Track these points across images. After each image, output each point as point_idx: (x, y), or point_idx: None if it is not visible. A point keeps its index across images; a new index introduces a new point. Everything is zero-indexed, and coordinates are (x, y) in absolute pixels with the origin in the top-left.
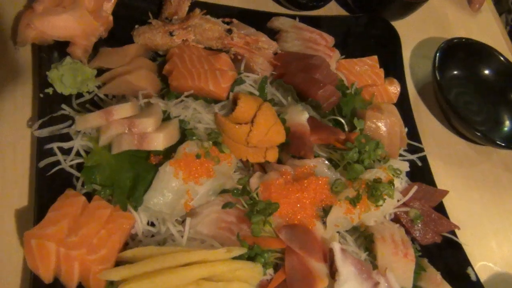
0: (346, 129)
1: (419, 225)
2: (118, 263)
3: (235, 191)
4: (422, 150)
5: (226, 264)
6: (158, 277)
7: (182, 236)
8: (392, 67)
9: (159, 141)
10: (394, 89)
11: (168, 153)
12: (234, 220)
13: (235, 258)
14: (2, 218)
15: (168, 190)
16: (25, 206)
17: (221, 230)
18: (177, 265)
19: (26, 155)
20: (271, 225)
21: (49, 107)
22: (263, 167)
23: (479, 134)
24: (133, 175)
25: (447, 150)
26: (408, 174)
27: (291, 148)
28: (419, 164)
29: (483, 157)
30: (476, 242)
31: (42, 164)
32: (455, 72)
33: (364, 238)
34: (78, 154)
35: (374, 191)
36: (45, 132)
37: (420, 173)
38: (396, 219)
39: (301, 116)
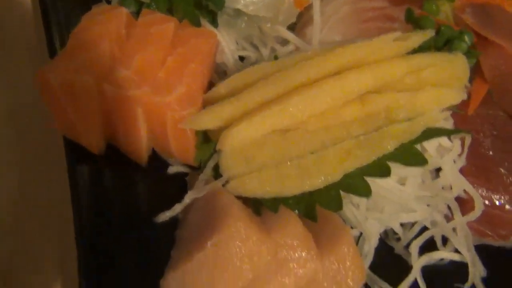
0: None
1: None
2: None
3: None
4: None
5: (402, 62)
6: (291, 102)
7: None
8: None
9: None
10: None
11: None
12: (384, 3)
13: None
14: None
15: None
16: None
17: (367, 24)
18: (316, 78)
19: None
20: None
21: None
22: None
23: None
24: None
25: None
26: None
27: None
28: None
29: None
30: None
31: None
32: None
33: None
34: None
35: None
36: None
37: None
38: None
39: None
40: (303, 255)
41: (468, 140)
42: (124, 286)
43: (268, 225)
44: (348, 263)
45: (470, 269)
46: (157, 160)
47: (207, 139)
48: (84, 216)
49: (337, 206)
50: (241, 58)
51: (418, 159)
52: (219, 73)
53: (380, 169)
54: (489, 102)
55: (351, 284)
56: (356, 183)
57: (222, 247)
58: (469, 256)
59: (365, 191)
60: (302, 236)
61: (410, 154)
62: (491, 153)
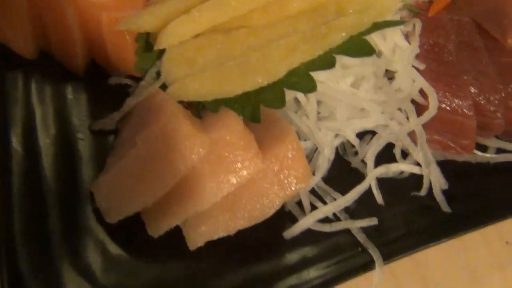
0: None
1: None
2: None
3: None
4: None
5: None
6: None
7: None
8: None
9: None
10: None
11: None
12: None
13: None
14: None
15: None
16: None
17: None
18: None
19: None
20: None
21: None
22: None
23: None
24: None
25: None
26: None
27: None
28: None
29: None
30: None
31: None
32: None
33: None
34: None
35: None
36: None
37: None
38: None
39: None
40: (242, 153)
41: (418, 25)
42: (54, 197)
43: (207, 125)
44: (290, 161)
45: (424, 171)
46: (98, 72)
47: (150, 47)
48: (12, 125)
49: (281, 103)
50: None
51: (365, 49)
52: None
53: (326, 61)
54: (454, 8)
55: (294, 183)
56: (300, 80)
57: (153, 142)
58: (422, 157)
59: (310, 87)
60: (242, 134)
61: (357, 45)
62: (453, 58)
